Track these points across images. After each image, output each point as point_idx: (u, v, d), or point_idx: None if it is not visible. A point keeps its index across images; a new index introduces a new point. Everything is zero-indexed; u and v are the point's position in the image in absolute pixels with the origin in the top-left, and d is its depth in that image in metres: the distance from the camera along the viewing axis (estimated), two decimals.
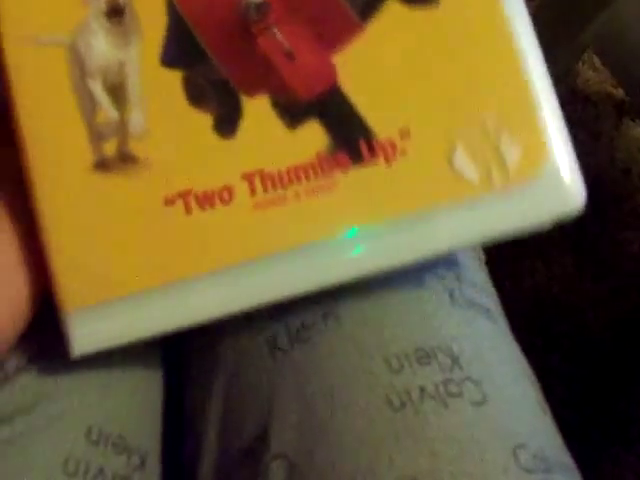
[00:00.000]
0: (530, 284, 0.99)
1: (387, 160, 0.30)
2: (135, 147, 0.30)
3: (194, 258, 0.30)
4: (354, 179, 0.30)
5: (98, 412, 0.34)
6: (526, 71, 0.31)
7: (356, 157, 0.30)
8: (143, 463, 0.35)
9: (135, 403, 0.36)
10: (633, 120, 1.09)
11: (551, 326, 0.96)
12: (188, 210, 0.30)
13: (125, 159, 0.29)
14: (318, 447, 0.30)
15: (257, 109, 0.30)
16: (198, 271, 0.30)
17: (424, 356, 0.31)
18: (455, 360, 0.32)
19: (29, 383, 0.33)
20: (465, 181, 0.30)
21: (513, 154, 0.30)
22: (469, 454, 0.29)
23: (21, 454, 0.32)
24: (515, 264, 0.99)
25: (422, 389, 0.31)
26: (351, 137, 0.30)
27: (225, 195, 0.30)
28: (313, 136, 0.30)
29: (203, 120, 0.30)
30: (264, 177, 0.30)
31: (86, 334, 0.29)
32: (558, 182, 0.31)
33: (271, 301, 0.30)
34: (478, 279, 0.37)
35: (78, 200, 0.30)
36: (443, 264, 0.35)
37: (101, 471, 0.33)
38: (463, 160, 0.30)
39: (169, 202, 0.30)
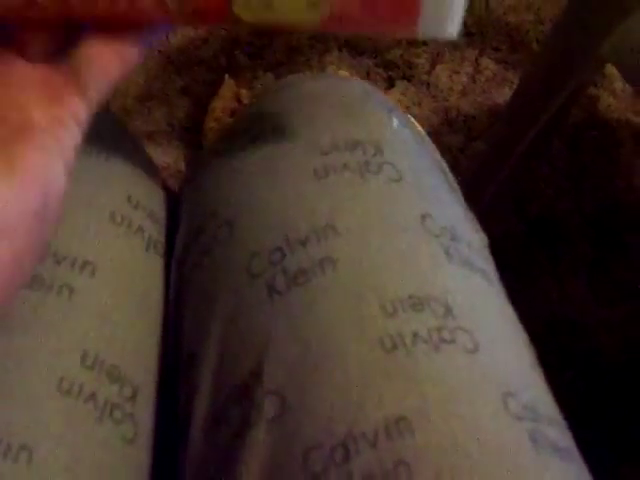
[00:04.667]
0: (545, 307, 1.00)
1: None
2: None
3: None
4: None
5: (95, 338, 0.35)
6: None
7: None
8: (134, 395, 0.36)
9: (133, 335, 0.37)
10: None
11: (565, 348, 0.97)
12: None
13: None
14: (310, 384, 0.31)
15: None
16: None
17: (418, 303, 0.32)
18: (449, 310, 0.32)
19: (28, 297, 0.34)
20: None
21: None
22: (459, 397, 0.30)
23: (18, 368, 0.32)
24: (530, 286, 1.00)
25: (415, 334, 0.31)
26: None
27: None
28: None
29: None
30: None
31: None
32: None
33: None
34: (474, 243, 0.38)
35: None
36: (439, 225, 0.36)
37: (93, 395, 0.33)
38: None
39: None
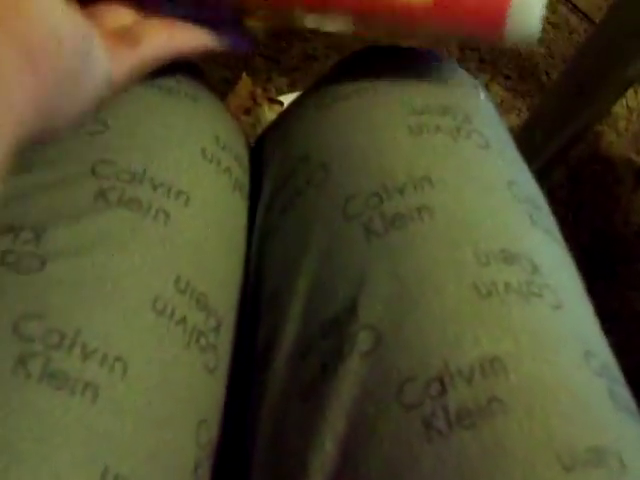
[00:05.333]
0: None
1: None
2: None
3: None
4: None
5: (188, 265, 0.36)
6: None
7: None
8: (218, 326, 0.36)
9: (221, 268, 0.38)
10: None
11: None
12: None
13: None
14: (406, 320, 0.32)
15: None
16: None
17: (509, 257, 0.34)
18: (535, 268, 0.34)
19: (127, 217, 0.35)
20: None
21: None
22: (547, 346, 0.31)
23: (116, 283, 0.33)
24: None
25: (507, 284, 0.33)
26: None
27: None
28: None
29: None
30: None
31: None
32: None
33: None
34: (551, 215, 0.40)
35: None
36: (524, 193, 0.38)
37: (183, 319, 0.34)
38: None
39: None
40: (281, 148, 0.44)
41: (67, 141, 0.37)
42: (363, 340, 0.33)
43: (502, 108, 1.19)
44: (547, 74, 1.22)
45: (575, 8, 1.30)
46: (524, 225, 0.36)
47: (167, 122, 0.39)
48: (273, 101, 1.06)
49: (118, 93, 0.35)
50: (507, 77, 1.21)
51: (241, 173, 0.42)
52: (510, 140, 0.43)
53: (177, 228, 0.36)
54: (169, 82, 0.41)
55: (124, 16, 0.37)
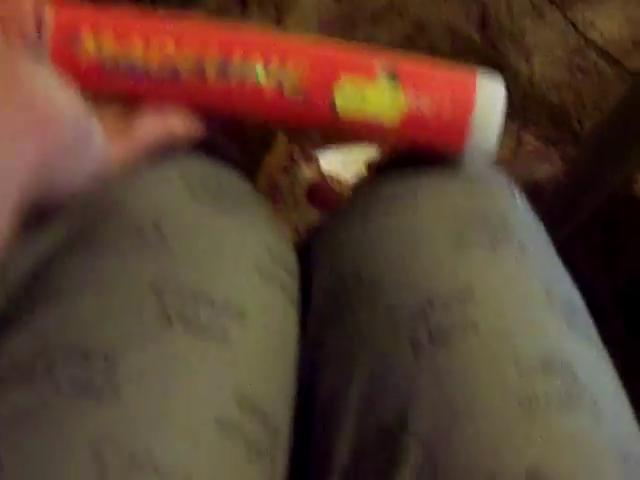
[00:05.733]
0: None
1: None
2: None
3: None
4: None
5: (247, 379, 0.38)
6: None
7: None
8: (276, 436, 0.38)
9: (277, 379, 0.41)
10: None
11: None
12: None
13: None
14: (454, 435, 0.34)
15: None
16: None
17: (548, 367, 0.36)
18: (574, 376, 0.36)
19: (188, 338, 0.37)
20: None
21: None
22: (587, 461, 0.34)
23: (178, 400, 0.35)
24: None
25: (547, 395, 0.35)
26: None
27: None
28: None
29: None
30: None
31: None
32: None
33: None
34: (586, 313, 0.42)
35: None
36: (560, 298, 0.40)
37: (245, 435, 0.36)
38: None
39: None
40: (329, 259, 0.46)
41: (127, 257, 0.39)
42: (414, 453, 0.35)
43: (534, 157, 1.20)
44: (579, 121, 1.24)
45: (604, 52, 1.31)
46: (562, 332, 0.38)
47: (222, 239, 0.42)
48: (309, 158, 1.09)
49: (114, 170, 0.39)
50: (538, 125, 1.23)
51: (292, 283, 0.45)
52: (545, 237, 0.45)
53: (236, 346, 0.38)
54: (218, 192, 0.44)
55: (121, 106, 0.42)
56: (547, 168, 1.20)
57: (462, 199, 0.43)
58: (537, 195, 1.18)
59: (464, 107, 0.41)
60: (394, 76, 0.41)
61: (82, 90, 0.37)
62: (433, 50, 1.27)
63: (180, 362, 0.36)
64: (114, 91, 0.41)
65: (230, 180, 0.46)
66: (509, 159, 1.20)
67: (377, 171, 0.48)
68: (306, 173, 1.07)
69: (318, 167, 1.06)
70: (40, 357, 0.35)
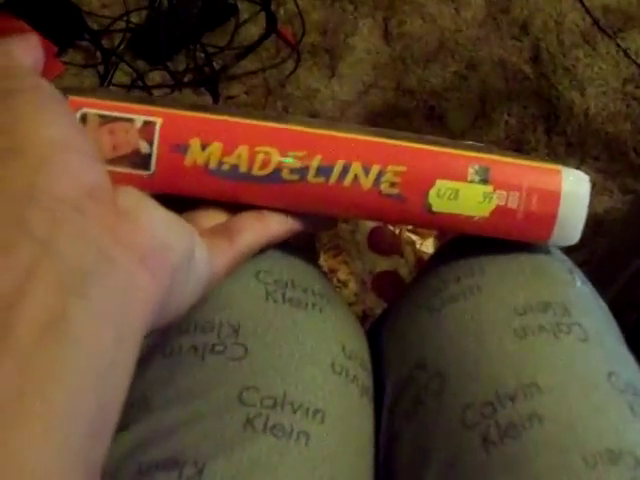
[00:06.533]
0: None
1: None
2: None
3: None
4: None
5: (328, 478, 0.41)
6: None
7: None
8: None
9: (356, 473, 0.42)
10: None
11: None
12: None
13: None
14: None
15: None
16: None
17: (614, 457, 0.37)
18: (638, 463, 0.37)
19: (273, 443, 0.40)
20: None
21: None
22: None
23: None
24: None
25: None
26: None
27: None
28: None
29: None
30: None
31: None
32: None
33: None
34: None
35: None
36: (624, 382, 0.41)
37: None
38: None
39: None
40: (398, 350, 0.47)
41: (215, 368, 0.42)
42: None
43: (594, 190, 1.20)
44: (635, 151, 1.23)
45: None
46: (625, 418, 0.39)
47: (299, 340, 0.44)
48: None
49: (218, 283, 0.40)
50: (596, 159, 1.23)
51: (366, 377, 0.46)
52: (608, 320, 0.46)
53: (316, 446, 0.40)
54: (292, 289, 0.46)
55: (219, 214, 0.42)
56: (607, 200, 1.20)
57: (526, 288, 0.44)
58: (598, 228, 1.18)
59: (551, 202, 0.43)
60: (486, 176, 0.42)
61: (184, 197, 0.39)
62: (487, 87, 1.28)
63: (263, 466, 0.38)
64: (215, 197, 0.42)
65: (305, 275, 0.47)
66: None
67: (439, 257, 0.50)
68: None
69: None
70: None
